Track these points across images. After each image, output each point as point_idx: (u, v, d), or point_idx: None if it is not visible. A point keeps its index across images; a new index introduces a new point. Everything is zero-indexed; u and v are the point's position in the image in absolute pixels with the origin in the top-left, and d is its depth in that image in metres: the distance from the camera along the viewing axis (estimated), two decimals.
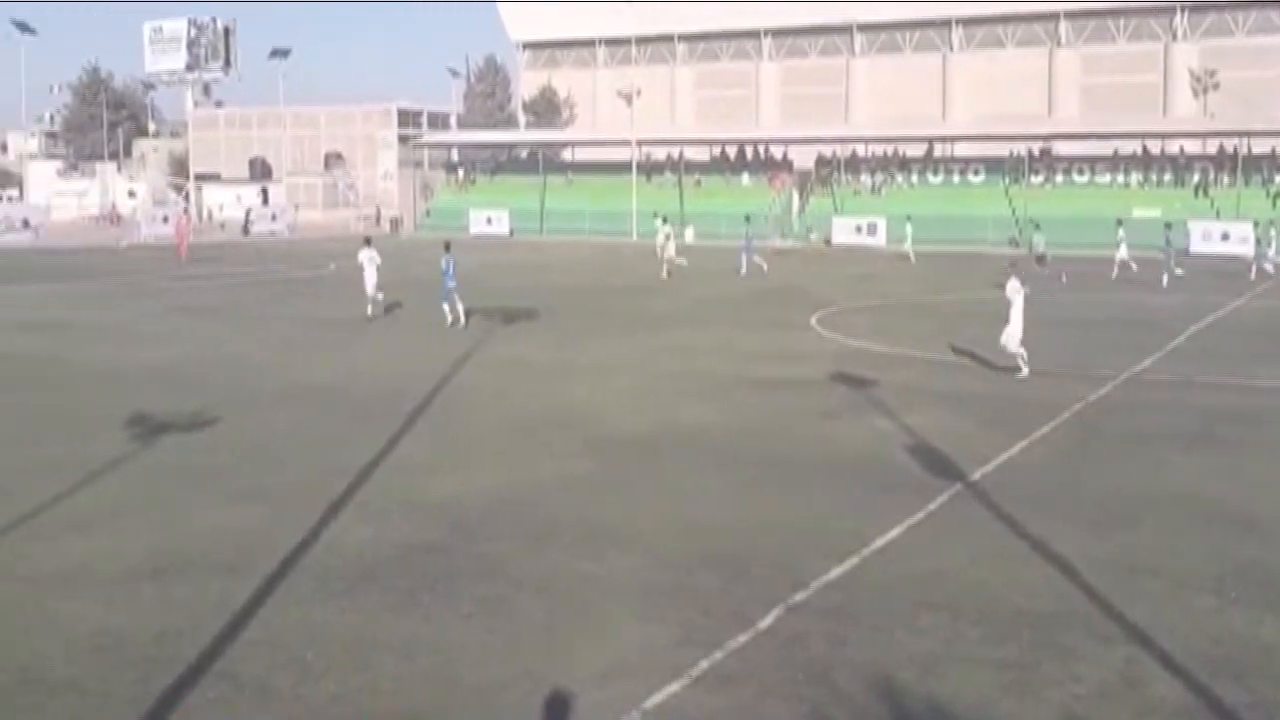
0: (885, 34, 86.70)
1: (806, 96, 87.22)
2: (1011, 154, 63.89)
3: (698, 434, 14.59)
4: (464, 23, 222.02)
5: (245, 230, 68.60)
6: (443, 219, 72.11)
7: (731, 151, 72.95)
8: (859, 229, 59.25)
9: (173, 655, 7.61)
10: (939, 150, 69.80)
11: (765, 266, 40.17)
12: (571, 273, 41.62)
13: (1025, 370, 18.84)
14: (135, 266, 44.19)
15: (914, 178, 66.53)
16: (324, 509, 10.98)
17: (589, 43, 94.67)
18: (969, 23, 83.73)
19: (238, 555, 9.67)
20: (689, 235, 62.36)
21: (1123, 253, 39.76)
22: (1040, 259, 37.77)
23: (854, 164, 68.58)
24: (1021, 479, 12.37)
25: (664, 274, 38.59)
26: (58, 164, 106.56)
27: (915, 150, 68.14)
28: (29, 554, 9.64)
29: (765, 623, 8.21)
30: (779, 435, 14.57)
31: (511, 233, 67.82)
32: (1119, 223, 41.56)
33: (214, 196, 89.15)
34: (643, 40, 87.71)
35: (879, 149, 68.86)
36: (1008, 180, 62.83)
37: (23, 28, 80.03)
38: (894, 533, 10.35)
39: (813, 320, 26.69)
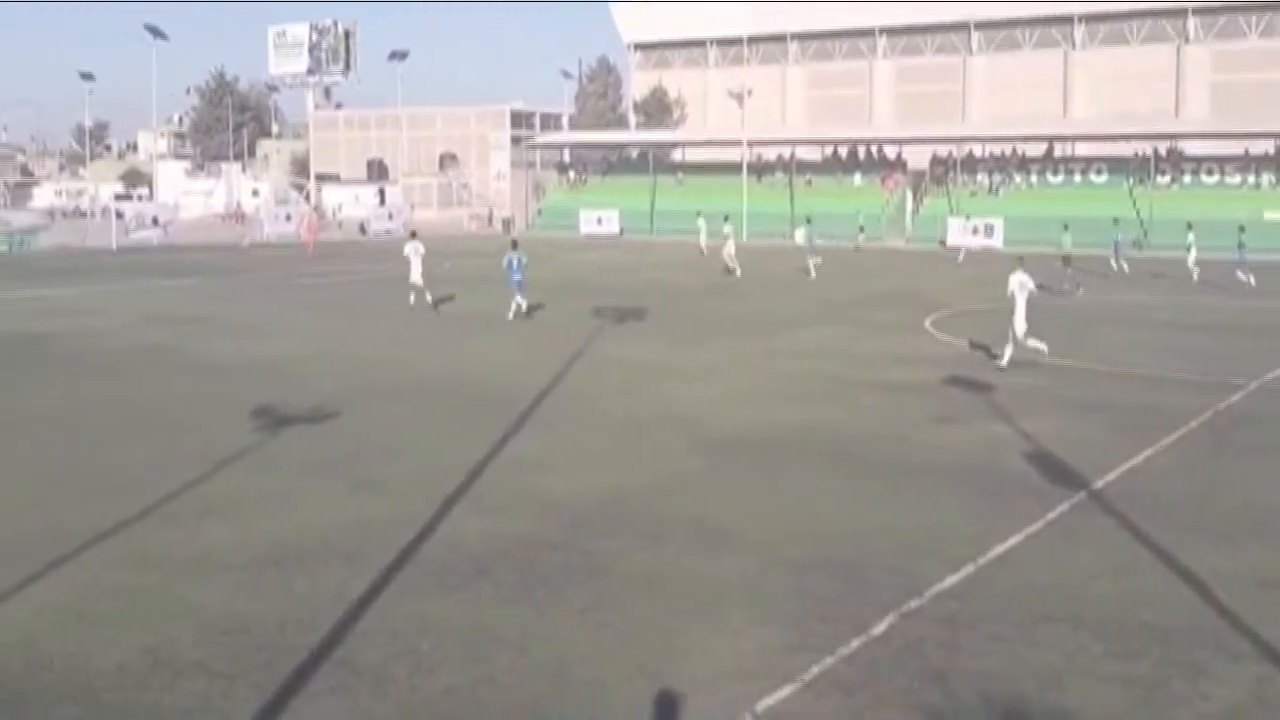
0: (1004, 31, 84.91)
1: (922, 95, 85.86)
2: (1136, 154, 62.00)
3: (810, 436, 14.46)
4: (577, 24, 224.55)
5: (363, 229, 70.17)
6: (554, 219, 72.86)
7: (844, 151, 72.22)
8: (975, 230, 58.12)
9: (294, 642, 7.81)
10: (1059, 150, 68.09)
11: (813, 272, 39.78)
12: (681, 273, 41.62)
13: (1004, 360, 19.43)
14: (258, 264, 45.52)
15: (1033, 178, 65.04)
16: (439, 503, 11.16)
17: (700, 43, 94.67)
18: (1092, 19, 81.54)
19: (356, 546, 9.88)
20: (799, 237, 61.85)
21: (1192, 257, 38.59)
22: (1066, 260, 37.24)
23: (970, 164, 67.31)
24: (1147, 489, 11.98)
25: (734, 270, 39.48)
26: (186, 164, 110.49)
27: (1035, 150, 66.60)
28: (160, 541, 9.99)
29: (879, 629, 8.09)
30: (893, 439, 14.36)
31: (621, 232, 68.14)
32: (1189, 226, 40.41)
33: (333, 196, 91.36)
34: (754, 40, 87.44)
35: (997, 148, 67.46)
36: (1132, 181, 61.00)
37: (154, 32, 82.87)
38: (1012, 541, 10.11)
39: (927, 323, 26.27)
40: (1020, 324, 19.59)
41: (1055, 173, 65.02)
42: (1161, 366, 20.10)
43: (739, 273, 39.51)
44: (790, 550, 9.87)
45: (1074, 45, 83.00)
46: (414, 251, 29.21)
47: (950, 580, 9.08)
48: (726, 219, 44.86)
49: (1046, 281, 34.63)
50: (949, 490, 11.88)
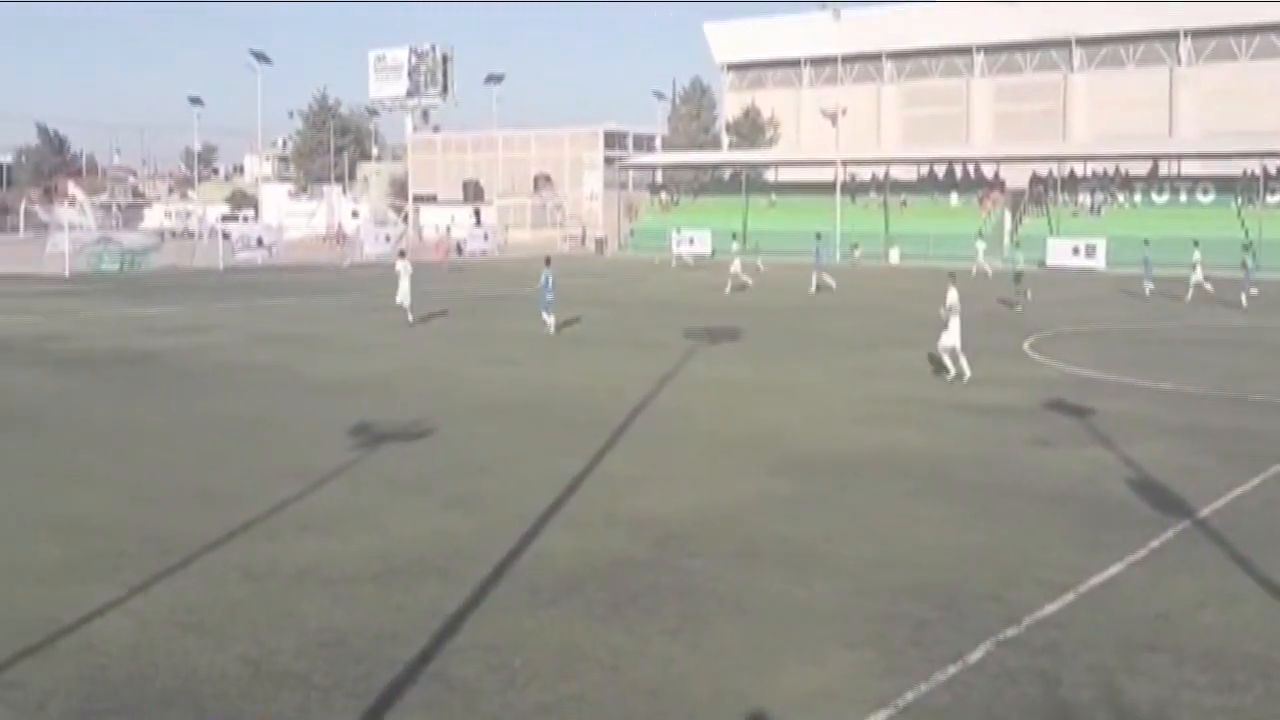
0: (1107, 47, 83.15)
1: (1020, 114, 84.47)
2: (1245, 172, 60.20)
3: (904, 458, 14.30)
4: (670, 46, 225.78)
5: (459, 250, 71.34)
6: (646, 239, 73.14)
7: (940, 171, 71.37)
8: (1076, 251, 57.01)
9: (391, 655, 7.94)
10: (1164, 168, 66.44)
11: (834, 284, 41.95)
12: (775, 293, 41.50)
13: (953, 373, 20.25)
14: (357, 283, 46.45)
15: (1136, 197, 63.56)
16: (532, 519, 11.27)
17: (794, 62, 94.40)
18: (1198, 34, 79.45)
19: (450, 561, 10.03)
20: (894, 257, 61.26)
21: (1198, 274, 38.43)
22: (1018, 277, 37.62)
23: (1071, 183, 66.01)
24: (1256, 517, 11.60)
25: (741, 285, 41.34)
26: (289, 186, 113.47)
27: (1138, 169, 65.06)
28: (262, 554, 10.24)
29: (975, 656, 7.95)
30: (990, 463, 14.12)
31: (713, 253, 68.09)
32: (1195, 244, 40.17)
33: (430, 217, 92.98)
34: (849, 59, 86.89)
35: (1099, 167, 66.06)
36: (1240, 200, 59.25)
37: (260, 58, 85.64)
38: (1113, 569, 9.86)
39: (1025, 345, 25.80)
40: (953, 339, 20.33)
41: (1160, 192, 63.45)
42: (1267, 391, 19.45)
43: (729, 288, 41.08)
44: (882, 573, 9.76)
45: (1179, 61, 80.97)
46: (403, 270, 30.67)
47: (1049, 608, 8.89)
48: (734, 236, 46.05)
49: (1008, 297, 36.19)
50: (1047, 516, 11.65)
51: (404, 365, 22.69)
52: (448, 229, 77.12)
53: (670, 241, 57.87)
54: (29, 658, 7.85)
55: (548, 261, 29.02)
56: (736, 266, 42.66)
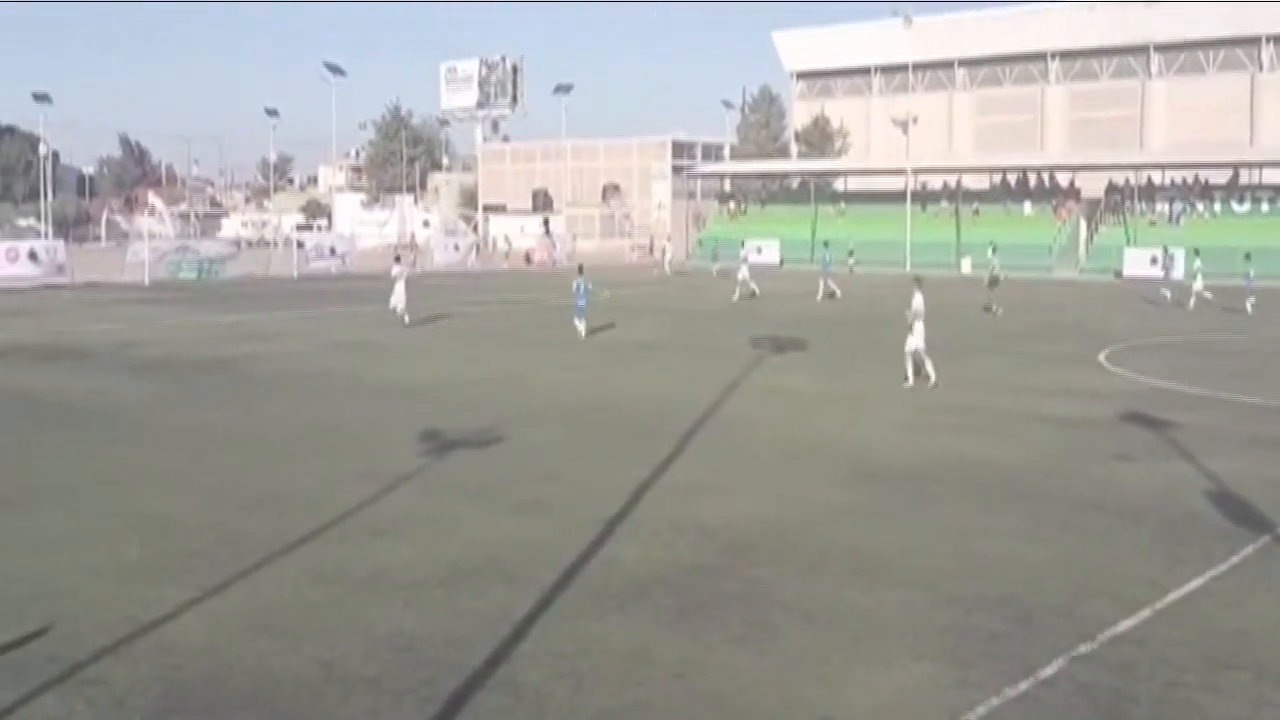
0: (1185, 54, 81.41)
1: (1096, 121, 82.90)
2: None
3: (974, 469, 14.11)
4: (739, 55, 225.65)
5: (528, 259, 71.88)
6: (713, 248, 72.98)
7: (1013, 179, 70.39)
8: (1154, 261, 55.83)
9: (459, 660, 8.01)
10: (1245, 177, 64.89)
11: (838, 292, 42.68)
12: (842, 302, 41.22)
13: (912, 381, 20.42)
14: (427, 292, 46.87)
15: (1216, 206, 62.16)
16: (599, 526, 11.30)
17: (864, 70, 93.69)
18: None
19: (519, 567, 10.08)
20: (965, 266, 60.51)
21: (1199, 284, 38.94)
22: (994, 281, 37.42)
23: (1149, 191, 64.73)
24: None
25: (735, 297, 41.92)
26: (361, 196, 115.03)
27: (1218, 177, 63.61)
28: (334, 558, 10.38)
29: (1047, 672, 7.81)
30: (1064, 475, 13.88)
31: (781, 263, 67.82)
32: (1196, 252, 40.85)
33: (499, 227, 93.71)
34: (920, 66, 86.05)
35: (1177, 175, 64.70)
36: None
37: (334, 70, 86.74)
38: (1192, 585, 9.64)
39: (1101, 356, 25.34)
40: (918, 342, 20.47)
41: (1241, 201, 61.98)
42: None
43: (738, 296, 41.90)
44: (951, 585, 9.63)
45: (1261, 67, 79.02)
46: (399, 275, 32.20)
47: (1125, 624, 8.71)
48: (743, 243, 46.37)
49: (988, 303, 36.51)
50: (1124, 530, 11.42)
51: (471, 371, 22.88)
52: (547, 232, 78.57)
53: (662, 250, 60.39)
54: (109, 655, 8.05)
55: (580, 270, 30.16)
56: (744, 274, 43.55)
